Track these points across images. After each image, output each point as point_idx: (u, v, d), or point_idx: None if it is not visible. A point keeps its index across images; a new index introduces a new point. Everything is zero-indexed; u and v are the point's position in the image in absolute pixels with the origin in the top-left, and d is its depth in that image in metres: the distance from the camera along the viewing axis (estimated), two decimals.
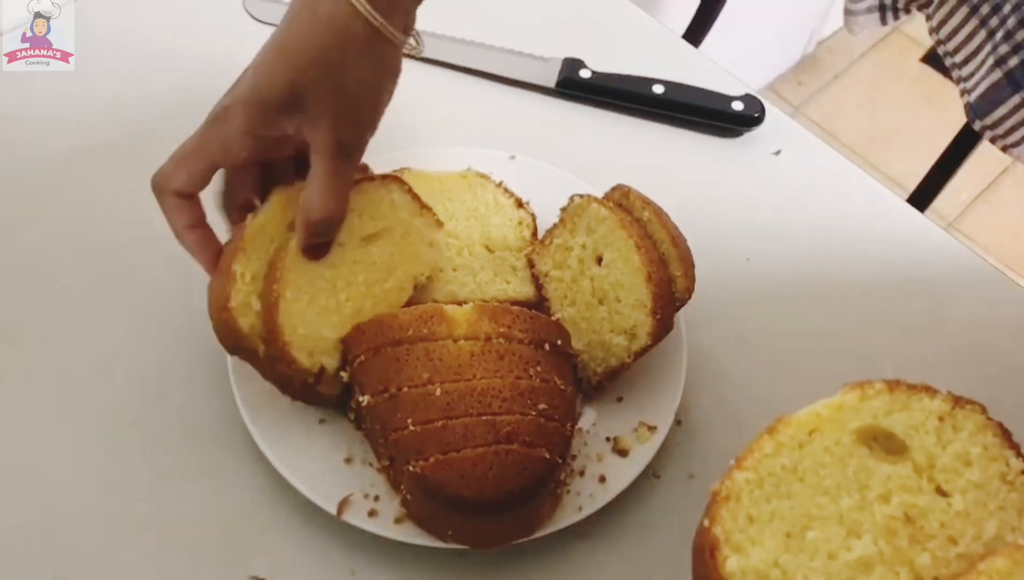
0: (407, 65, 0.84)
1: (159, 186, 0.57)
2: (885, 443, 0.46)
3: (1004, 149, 0.99)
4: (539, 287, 0.66)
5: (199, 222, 0.58)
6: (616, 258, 0.61)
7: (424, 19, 0.84)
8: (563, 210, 0.66)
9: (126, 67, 0.82)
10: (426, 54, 0.84)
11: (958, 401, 0.47)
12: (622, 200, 0.64)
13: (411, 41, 0.57)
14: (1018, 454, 0.46)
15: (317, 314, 0.57)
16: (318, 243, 0.58)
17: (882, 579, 0.43)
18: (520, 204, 0.69)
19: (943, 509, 0.44)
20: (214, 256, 0.58)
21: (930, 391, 0.47)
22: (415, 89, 0.72)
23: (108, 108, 0.79)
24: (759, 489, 0.44)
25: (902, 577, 0.43)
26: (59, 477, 0.61)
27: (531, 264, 0.67)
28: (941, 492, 0.45)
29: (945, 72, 1.00)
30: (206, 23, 0.86)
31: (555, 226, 0.66)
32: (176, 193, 0.57)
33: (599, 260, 0.62)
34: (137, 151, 0.76)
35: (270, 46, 0.55)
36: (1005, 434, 0.46)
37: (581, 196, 0.65)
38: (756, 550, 0.42)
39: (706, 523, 0.43)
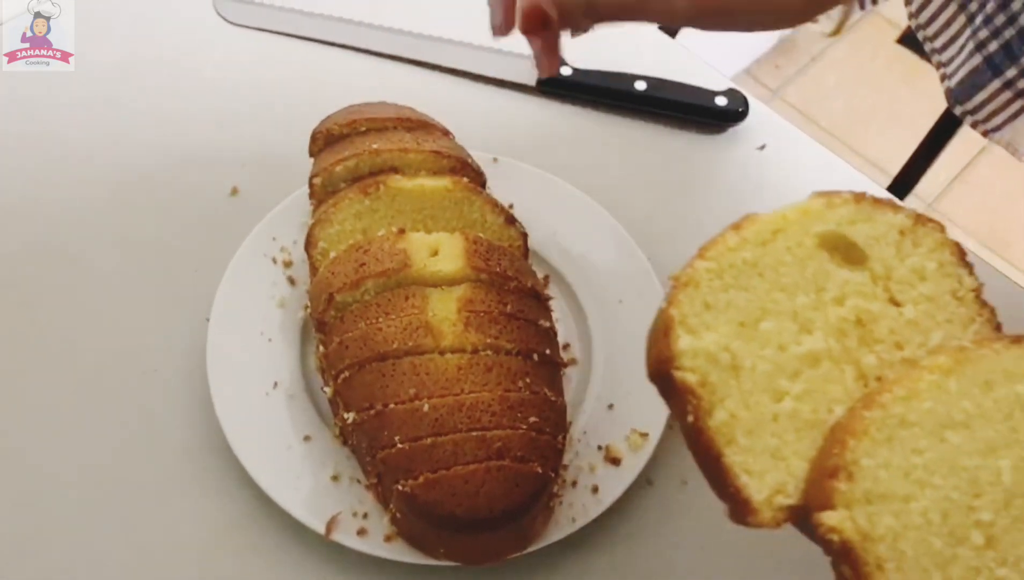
0: (382, 65, 0.82)
1: None
2: (846, 253, 0.47)
3: (985, 134, 0.99)
4: None
5: None
6: None
7: (397, 17, 0.83)
8: None
9: (126, 67, 0.81)
10: (401, 53, 0.83)
11: (920, 218, 0.48)
12: None
13: None
14: (971, 273, 0.47)
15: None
16: (537, 16, 0.54)
17: (828, 373, 0.44)
18: (510, 220, 0.65)
19: (894, 316, 0.46)
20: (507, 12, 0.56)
21: (894, 206, 0.48)
22: (391, 90, 0.71)
23: (108, 108, 0.78)
24: (718, 279, 0.45)
25: (847, 373, 0.44)
26: (36, 497, 0.59)
27: None
28: (894, 302, 0.46)
29: (921, 52, 1.00)
30: (177, 25, 0.84)
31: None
32: None
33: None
34: (125, 157, 0.75)
35: None
36: (961, 254, 0.48)
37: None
38: (709, 334, 0.43)
39: (663, 305, 0.44)
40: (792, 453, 0.42)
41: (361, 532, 0.56)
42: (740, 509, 0.42)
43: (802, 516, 0.41)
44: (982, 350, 0.43)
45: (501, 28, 0.58)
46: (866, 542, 0.39)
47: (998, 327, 0.48)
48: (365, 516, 0.56)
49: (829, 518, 0.39)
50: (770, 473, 0.42)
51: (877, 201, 0.48)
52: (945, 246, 0.48)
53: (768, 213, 0.47)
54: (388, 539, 0.56)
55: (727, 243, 0.45)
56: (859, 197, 0.48)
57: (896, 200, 0.49)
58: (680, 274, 0.44)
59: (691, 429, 0.43)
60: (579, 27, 0.57)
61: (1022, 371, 0.43)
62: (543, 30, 0.55)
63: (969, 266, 0.48)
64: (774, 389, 0.43)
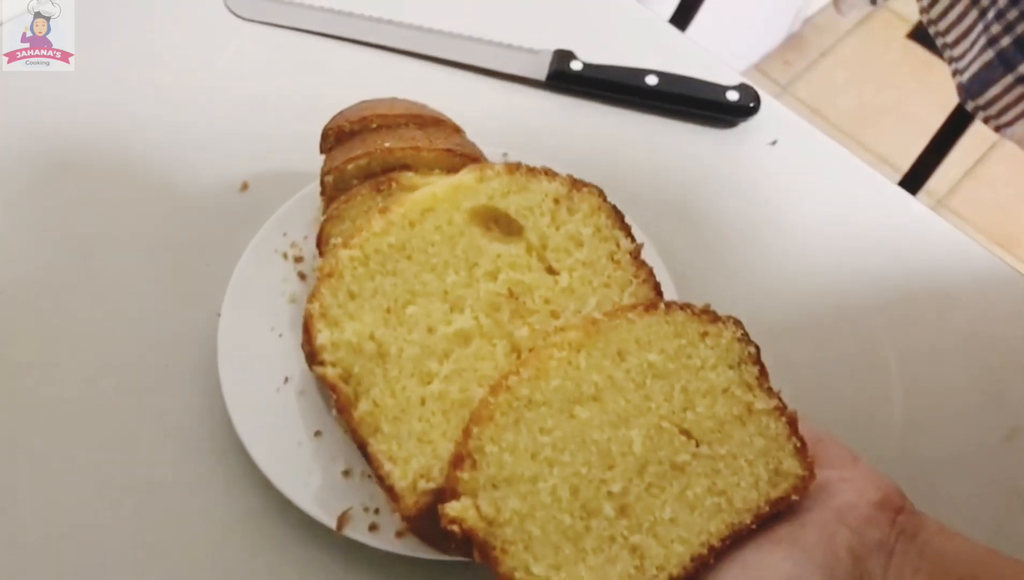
0: (392, 60, 0.82)
1: None
2: (505, 226, 0.46)
3: (997, 129, 0.99)
4: None
5: None
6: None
7: (410, 12, 0.83)
8: None
9: (126, 67, 0.81)
10: (411, 48, 0.83)
11: (576, 184, 0.47)
12: None
13: None
14: (628, 235, 0.47)
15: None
16: None
17: (479, 350, 0.44)
18: None
19: (549, 286, 0.45)
20: None
21: (549, 174, 0.47)
22: (402, 85, 0.71)
23: (108, 108, 0.78)
24: (363, 266, 0.44)
25: (499, 348, 0.44)
26: (45, 494, 0.59)
27: None
28: (551, 271, 0.46)
29: (932, 48, 0.99)
30: (187, 21, 0.84)
31: None
32: None
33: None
34: (134, 153, 0.75)
35: None
36: (618, 216, 0.47)
37: None
38: (351, 324, 0.43)
39: (307, 300, 0.43)
40: (440, 435, 0.42)
41: (372, 528, 0.56)
42: (390, 498, 0.42)
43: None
44: (614, 321, 0.42)
45: None
46: (492, 527, 0.39)
47: (656, 287, 0.47)
48: (376, 512, 0.56)
49: (452, 509, 0.39)
50: (415, 458, 0.42)
51: (532, 170, 0.47)
52: (602, 210, 0.47)
53: (418, 193, 0.46)
54: (399, 535, 0.55)
55: (373, 229, 0.44)
56: (512, 168, 0.47)
57: (552, 169, 0.47)
58: (323, 265, 0.44)
59: (343, 421, 0.43)
60: None
61: (654, 339, 0.42)
62: None
63: (627, 228, 0.47)
64: (422, 372, 0.43)
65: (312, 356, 0.42)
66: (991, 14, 0.92)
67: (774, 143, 0.78)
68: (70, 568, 0.57)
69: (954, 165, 1.78)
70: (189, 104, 0.79)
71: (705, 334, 0.43)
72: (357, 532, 0.56)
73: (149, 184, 0.74)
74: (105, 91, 0.79)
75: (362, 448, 0.42)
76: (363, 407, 0.42)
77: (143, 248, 0.70)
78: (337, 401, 0.42)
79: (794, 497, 0.42)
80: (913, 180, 1.28)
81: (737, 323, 0.44)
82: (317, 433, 0.59)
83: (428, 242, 0.45)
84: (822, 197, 0.76)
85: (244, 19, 0.84)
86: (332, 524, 0.55)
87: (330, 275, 0.43)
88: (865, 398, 0.66)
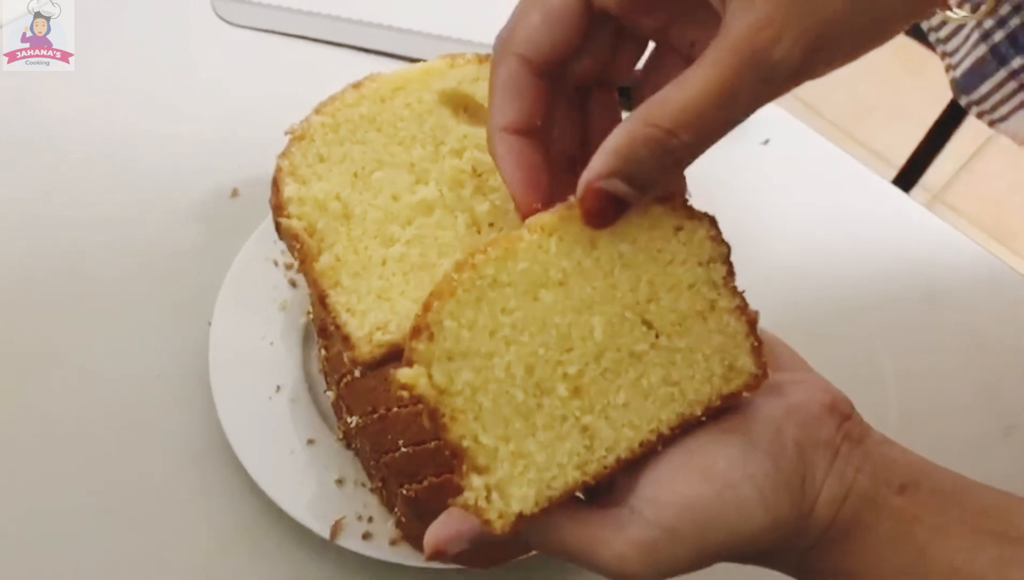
0: (382, 64, 0.82)
1: (502, 43, 0.40)
2: (474, 113, 0.47)
3: (991, 124, 0.98)
4: None
5: (526, 126, 0.41)
6: None
7: (399, 16, 0.83)
8: None
9: (126, 67, 0.81)
10: (401, 51, 0.82)
11: None
12: None
13: None
14: None
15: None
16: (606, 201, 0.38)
17: (440, 220, 0.45)
18: None
19: None
20: (527, 178, 0.41)
21: None
22: None
23: (108, 109, 0.78)
24: (334, 133, 0.46)
25: (459, 221, 0.45)
26: (37, 504, 0.59)
27: None
28: None
29: (926, 42, 0.99)
30: (174, 26, 0.84)
31: None
32: (521, 58, 0.39)
33: None
34: (124, 159, 0.75)
35: None
36: None
37: None
38: (319, 184, 0.44)
39: (277, 157, 0.45)
40: (398, 294, 0.44)
41: (366, 536, 0.56)
42: (344, 346, 0.43)
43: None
44: None
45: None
46: (442, 396, 0.39)
47: None
48: (370, 520, 0.56)
49: (403, 375, 0.39)
50: (373, 312, 0.43)
51: None
52: None
53: (390, 72, 0.47)
54: (393, 543, 0.55)
55: (345, 100, 0.46)
56: (483, 58, 0.48)
57: None
58: (295, 128, 0.46)
59: (304, 274, 0.44)
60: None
61: (628, 229, 0.41)
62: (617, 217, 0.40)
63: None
64: (385, 235, 0.45)
65: (278, 209, 0.44)
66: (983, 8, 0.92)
67: (766, 142, 0.78)
68: (63, 577, 0.57)
69: (950, 159, 1.77)
70: (178, 110, 0.78)
71: (679, 228, 0.43)
72: (350, 541, 0.55)
73: (139, 191, 0.73)
74: (104, 92, 0.79)
75: (321, 300, 0.43)
76: (325, 260, 0.43)
77: (132, 255, 0.70)
78: (300, 252, 0.43)
79: (746, 394, 0.43)
80: (909, 175, 1.27)
81: (712, 221, 0.44)
82: (310, 441, 0.59)
83: (397, 117, 0.46)
84: (815, 196, 0.76)
85: (232, 24, 0.83)
86: (325, 533, 0.55)
87: (301, 138, 0.45)
88: (860, 396, 0.65)
